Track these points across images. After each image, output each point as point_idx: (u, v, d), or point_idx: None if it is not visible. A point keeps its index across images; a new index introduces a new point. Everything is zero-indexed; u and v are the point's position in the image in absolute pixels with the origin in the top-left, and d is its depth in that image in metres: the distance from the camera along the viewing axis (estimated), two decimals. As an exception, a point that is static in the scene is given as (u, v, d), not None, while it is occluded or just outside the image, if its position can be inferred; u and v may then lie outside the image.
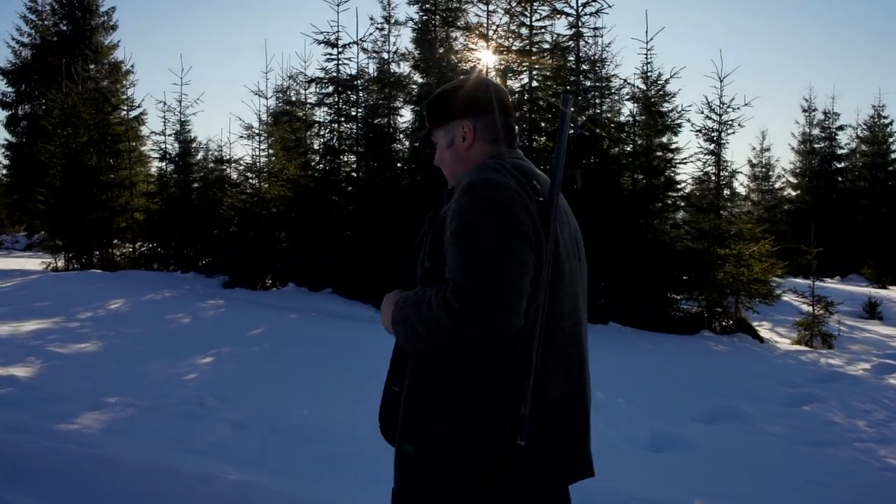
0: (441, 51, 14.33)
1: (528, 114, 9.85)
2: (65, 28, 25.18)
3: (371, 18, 18.16)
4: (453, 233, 1.47)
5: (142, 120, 15.78)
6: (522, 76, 10.09)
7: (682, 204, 10.44)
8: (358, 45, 12.59)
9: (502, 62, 10.17)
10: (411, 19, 15.53)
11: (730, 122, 10.15)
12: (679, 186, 10.08)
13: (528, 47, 9.92)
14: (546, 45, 9.69)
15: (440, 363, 1.50)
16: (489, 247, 1.41)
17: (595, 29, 9.20)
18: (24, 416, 4.41)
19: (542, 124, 9.85)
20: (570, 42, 9.34)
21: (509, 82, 10.20)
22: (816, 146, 25.60)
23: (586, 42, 9.33)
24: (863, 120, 26.90)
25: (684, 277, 9.55)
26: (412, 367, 1.56)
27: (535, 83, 9.90)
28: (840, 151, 25.43)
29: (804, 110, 26.32)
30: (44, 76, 23.95)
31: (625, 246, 9.40)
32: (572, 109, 1.57)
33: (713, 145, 9.99)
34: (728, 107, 10.14)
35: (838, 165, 25.35)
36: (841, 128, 25.30)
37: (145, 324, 7.87)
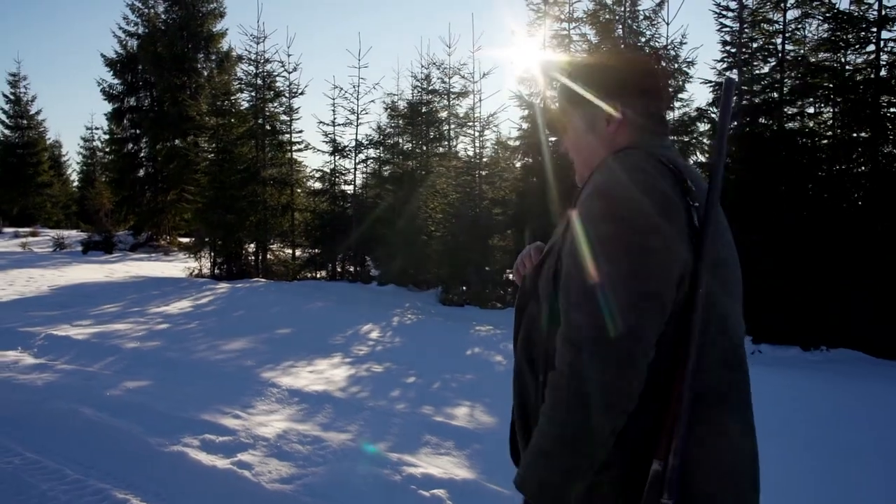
0: (620, 31, 12.38)
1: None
2: (175, 16, 23.81)
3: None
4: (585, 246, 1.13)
5: (294, 107, 14.02)
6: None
7: None
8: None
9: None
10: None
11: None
12: None
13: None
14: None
15: None
16: (628, 273, 1.07)
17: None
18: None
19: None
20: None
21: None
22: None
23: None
24: None
25: None
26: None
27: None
28: None
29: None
30: (156, 66, 22.69)
31: None
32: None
33: None
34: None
35: None
36: None
37: (462, 366, 6.05)
